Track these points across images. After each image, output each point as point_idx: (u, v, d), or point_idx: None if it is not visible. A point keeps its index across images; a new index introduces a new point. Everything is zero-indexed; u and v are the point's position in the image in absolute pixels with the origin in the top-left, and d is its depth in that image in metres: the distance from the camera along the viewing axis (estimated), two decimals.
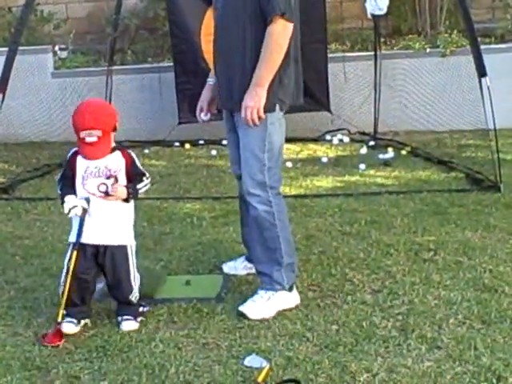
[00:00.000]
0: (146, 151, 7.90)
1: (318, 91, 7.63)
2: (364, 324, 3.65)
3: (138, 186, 3.68)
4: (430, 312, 3.75)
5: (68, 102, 8.68)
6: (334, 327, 3.65)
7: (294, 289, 3.96)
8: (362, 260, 4.47)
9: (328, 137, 7.90)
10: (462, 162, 6.65)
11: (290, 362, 3.33)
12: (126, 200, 3.68)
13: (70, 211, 3.61)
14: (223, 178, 6.60)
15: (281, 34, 3.68)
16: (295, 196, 5.89)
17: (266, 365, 3.28)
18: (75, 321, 3.69)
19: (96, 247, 3.69)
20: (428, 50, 8.15)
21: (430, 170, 6.57)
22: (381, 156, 7.02)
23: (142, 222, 5.43)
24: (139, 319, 3.76)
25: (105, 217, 3.67)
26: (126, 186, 3.65)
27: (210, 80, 4.19)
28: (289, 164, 6.82)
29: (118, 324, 3.72)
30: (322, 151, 7.47)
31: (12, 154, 7.86)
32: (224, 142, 7.58)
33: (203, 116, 4.21)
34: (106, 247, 3.69)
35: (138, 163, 3.72)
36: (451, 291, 3.98)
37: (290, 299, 3.90)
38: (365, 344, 3.46)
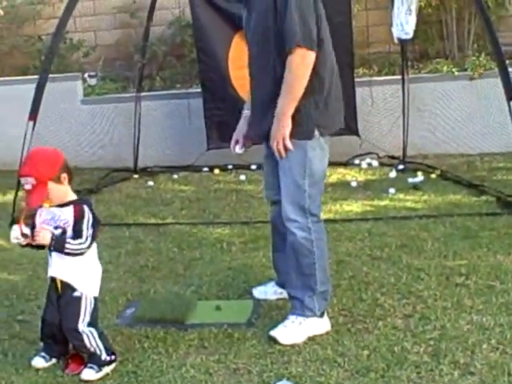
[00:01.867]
0: (175, 176, 7.95)
1: (346, 115, 7.48)
2: (395, 349, 3.62)
3: (68, 241, 3.48)
4: (462, 337, 3.71)
5: (97, 128, 8.79)
6: (365, 352, 3.62)
7: (325, 315, 3.94)
8: (393, 285, 4.44)
9: (357, 161, 7.89)
10: (492, 185, 6.59)
11: None
12: (51, 249, 3.54)
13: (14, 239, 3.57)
14: (252, 202, 6.60)
15: (300, 64, 3.66)
16: (325, 220, 5.74)
17: None
18: (47, 357, 3.68)
19: (56, 286, 3.61)
20: (456, 73, 8.13)
21: (460, 193, 6.53)
22: (410, 180, 6.99)
23: (172, 247, 5.47)
24: (104, 370, 3.56)
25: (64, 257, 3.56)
26: (52, 235, 3.50)
27: (245, 111, 4.18)
28: None
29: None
30: (351, 175, 7.45)
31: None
32: (253, 167, 7.65)
33: (238, 149, 4.19)
34: (64, 288, 3.59)
35: (84, 222, 3.51)
36: (484, 316, 3.94)
37: (320, 325, 3.89)
38: (396, 369, 3.43)
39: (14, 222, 6.03)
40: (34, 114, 6.45)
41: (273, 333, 3.81)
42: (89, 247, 3.53)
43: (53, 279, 3.63)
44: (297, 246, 3.84)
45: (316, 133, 3.79)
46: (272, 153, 3.88)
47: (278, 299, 4.29)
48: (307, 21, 3.66)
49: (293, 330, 3.82)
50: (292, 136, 3.75)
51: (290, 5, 3.64)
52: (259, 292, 4.40)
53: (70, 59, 9.81)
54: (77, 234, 3.50)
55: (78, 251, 3.50)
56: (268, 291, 4.37)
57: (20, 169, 3.63)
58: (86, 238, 3.50)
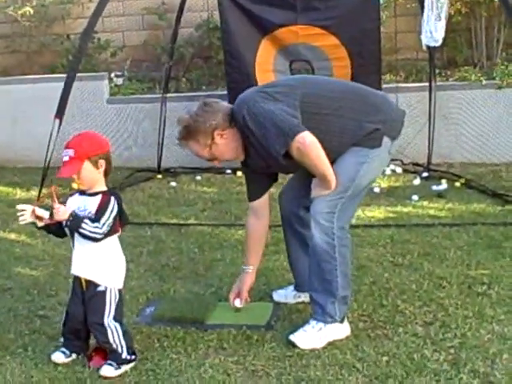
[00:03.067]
0: (198, 178, 7.97)
1: None
2: (415, 356, 3.59)
3: (85, 221, 3.48)
4: (482, 346, 3.67)
5: (122, 127, 8.83)
6: (385, 358, 3.60)
7: (346, 320, 3.92)
8: (414, 292, 4.41)
9: None
10: None
11: None
12: (67, 225, 3.53)
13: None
14: (274, 206, 6.54)
15: (300, 151, 3.65)
16: None
17: None
18: (67, 352, 3.69)
19: (80, 281, 3.64)
20: (484, 81, 8.06)
21: (484, 202, 6.47)
22: (434, 187, 6.94)
23: (194, 247, 5.48)
24: (123, 367, 3.57)
25: (86, 250, 3.59)
26: (72, 211, 3.52)
27: (246, 268, 4.22)
28: None
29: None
30: (375, 181, 7.40)
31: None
32: None
33: (238, 303, 4.21)
34: (88, 284, 3.61)
35: (107, 211, 3.51)
36: (505, 326, 3.89)
37: (340, 330, 3.87)
38: (415, 377, 3.40)
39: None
40: (60, 113, 6.50)
41: (292, 337, 3.80)
42: (104, 235, 3.52)
43: (76, 276, 3.66)
44: (318, 250, 3.81)
45: (385, 139, 3.80)
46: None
47: (298, 303, 4.28)
48: (275, 122, 3.66)
49: (312, 335, 3.80)
50: (359, 144, 3.78)
51: (259, 127, 3.71)
52: (279, 295, 4.39)
53: (97, 59, 9.88)
54: (96, 218, 3.51)
55: (92, 235, 3.50)
56: (288, 295, 4.37)
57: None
58: (103, 225, 3.49)
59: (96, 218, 3.51)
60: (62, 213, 3.50)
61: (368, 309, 4.19)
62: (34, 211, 3.55)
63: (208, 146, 3.86)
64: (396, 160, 7.88)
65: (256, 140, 3.79)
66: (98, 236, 3.51)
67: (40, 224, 3.59)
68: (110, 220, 3.52)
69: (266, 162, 3.89)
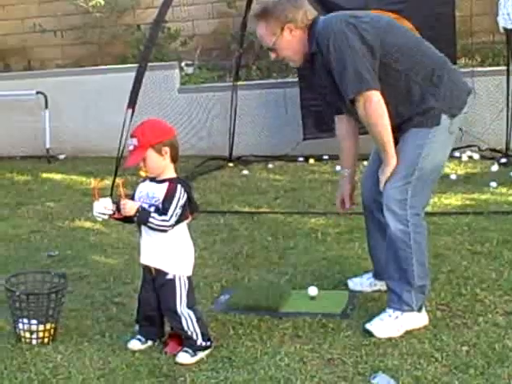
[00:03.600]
0: (270, 166, 7.94)
1: None
2: (496, 346, 3.49)
3: (152, 215, 3.48)
4: None
5: (194, 116, 8.87)
6: (465, 348, 3.51)
7: (423, 309, 3.84)
8: (494, 280, 4.30)
9: (457, 153, 7.66)
10: None
11: (418, 381, 3.23)
12: (135, 220, 3.55)
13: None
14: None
15: (366, 108, 3.64)
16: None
17: None
18: (143, 339, 3.69)
19: (149, 269, 3.64)
20: None
21: None
22: None
23: (267, 235, 5.46)
24: (199, 354, 3.56)
25: (153, 239, 3.59)
26: (139, 207, 3.52)
27: (342, 171, 4.21)
28: None
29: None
30: (451, 168, 7.25)
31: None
32: None
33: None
34: (157, 272, 3.61)
35: (174, 201, 3.49)
36: None
37: (418, 319, 3.78)
38: (497, 367, 3.31)
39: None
40: (132, 103, 6.53)
41: (369, 326, 3.74)
42: (172, 226, 3.51)
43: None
44: (394, 238, 3.74)
45: (442, 118, 3.72)
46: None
47: (374, 291, 4.21)
48: (357, 66, 3.63)
49: (389, 324, 3.73)
50: (417, 125, 3.73)
51: (339, 64, 3.67)
52: (354, 283, 4.33)
53: (167, 48, 9.93)
54: (163, 210, 3.50)
55: (160, 227, 3.50)
56: (364, 283, 4.30)
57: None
58: (171, 217, 3.48)
59: (163, 209, 3.50)
60: (129, 208, 3.51)
61: (446, 298, 4.10)
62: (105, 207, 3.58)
63: (274, 35, 3.84)
64: (473, 146, 7.73)
65: (326, 70, 3.76)
66: (166, 228, 3.51)
67: (106, 217, 3.62)
68: (178, 210, 3.51)
69: (330, 92, 3.87)
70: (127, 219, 3.63)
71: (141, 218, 3.51)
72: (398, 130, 3.76)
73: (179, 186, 3.54)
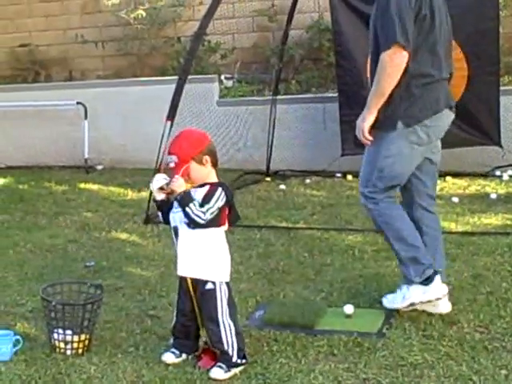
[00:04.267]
0: (307, 181, 7.91)
1: (488, 125, 7.35)
2: None
3: (194, 202, 3.48)
4: None
5: (232, 129, 8.87)
6: (503, 372, 3.44)
7: (435, 280, 3.96)
8: None
9: (498, 172, 7.57)
10: None
11: None
12: (178, 199, 3.53)
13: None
14: None
15: (388, 62, 3.80)
16: (462, 233, 5.67)
17: None
18: (177, 352, 3.67)
19: (186, 279, 3.62)
20: None
21: None
22: None
23: (303, 251, 5.42)
24: (233, 370, 3.52)
25: (190, 246, 3.58)
26: (186, 190, 3.52)
27: None
28: (455, 199, 6.62)
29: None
30: (492, 187, 7.16)
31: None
32: None
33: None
34: (195, 283, 3.59)
35: (213, 199, 3.49)
36: None
37: (424, 292, 3.98)
38: None
39: (148, 218, 6.18)
40: (171, 115, 6.55)
41: (384, 299, 4.15)
42: (205, 222, 3.49)
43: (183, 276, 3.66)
44: (372, 220, 4.14)
45: (399, 124, 3.90)
46: None
47: (411, 311, 4.14)
48: (404, 20, 3.76)
49: (396, 297, 4.08)
50: (374, 127, 3.93)
51: (388, 4, 3.79)
52: (387, 300, 4.27)
53: (207, 61, 9.95)
54: (201, 204, 3.50)
55: (195, 217, 3.48)
56: (395, 298, 4.23)
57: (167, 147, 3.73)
58: (207, 211, 3.48)
59: (202, 203, 3.50)
60: (179, 185, 3.52)
61: (485, 319, 4.03)
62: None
63: None
64: None
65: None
66: (200, 220, 3.49)
67: (159, 196, 3.63)
68: (215, 208, 3.50)
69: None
70: (163, 214, 3.65)
71: (184, 199, 3.50)
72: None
73: (220, 189, 3.54)
